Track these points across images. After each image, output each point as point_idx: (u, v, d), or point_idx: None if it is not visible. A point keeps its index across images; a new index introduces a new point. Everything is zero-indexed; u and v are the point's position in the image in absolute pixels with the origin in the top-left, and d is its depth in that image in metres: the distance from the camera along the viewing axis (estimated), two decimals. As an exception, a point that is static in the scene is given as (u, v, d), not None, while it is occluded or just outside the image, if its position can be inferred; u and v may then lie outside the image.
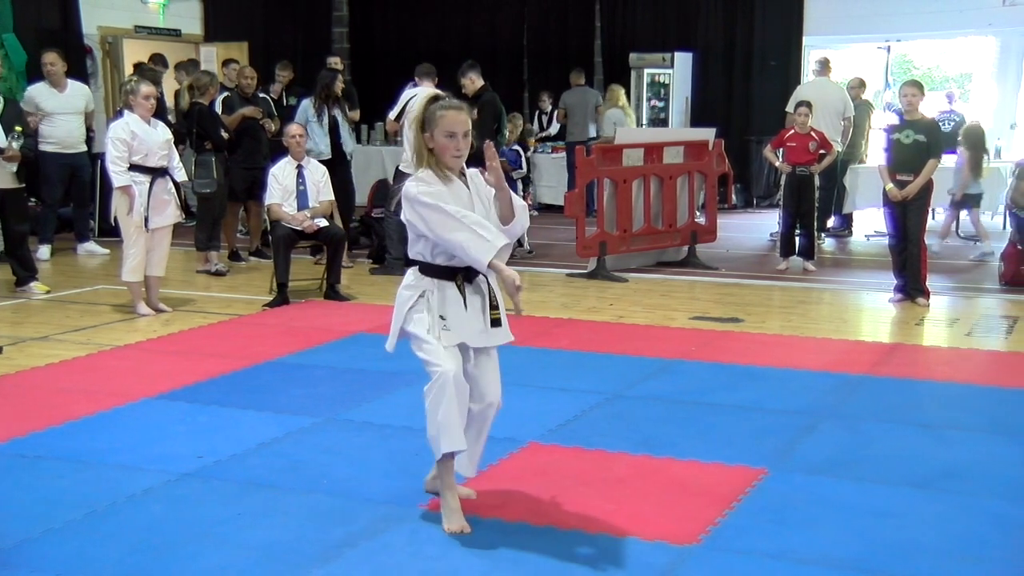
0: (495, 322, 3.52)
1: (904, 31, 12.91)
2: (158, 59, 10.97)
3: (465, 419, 3.49)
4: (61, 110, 9.18)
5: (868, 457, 4.22)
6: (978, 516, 3.64)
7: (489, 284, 3.52)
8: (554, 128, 13.43)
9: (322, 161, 9.29)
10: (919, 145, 7.22)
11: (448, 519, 3.49)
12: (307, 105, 9.28)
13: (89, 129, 9.64)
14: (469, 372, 3.55)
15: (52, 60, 9.17)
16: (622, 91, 12.43)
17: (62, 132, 9.17)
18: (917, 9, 12.43)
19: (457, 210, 3.39)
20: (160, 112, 7.59)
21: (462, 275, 3.48)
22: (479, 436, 3.70)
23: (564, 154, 12.59)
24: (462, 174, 3.54)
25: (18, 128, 7.49)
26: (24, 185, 7.81)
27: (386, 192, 9.32)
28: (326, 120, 9.20)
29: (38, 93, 9.16)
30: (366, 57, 15.34)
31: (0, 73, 9.28)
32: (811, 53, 13.21)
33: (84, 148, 9.45)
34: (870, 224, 10.94)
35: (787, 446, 4.35)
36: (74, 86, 9.42)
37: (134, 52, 12.35)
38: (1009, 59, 12.68)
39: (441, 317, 3.47)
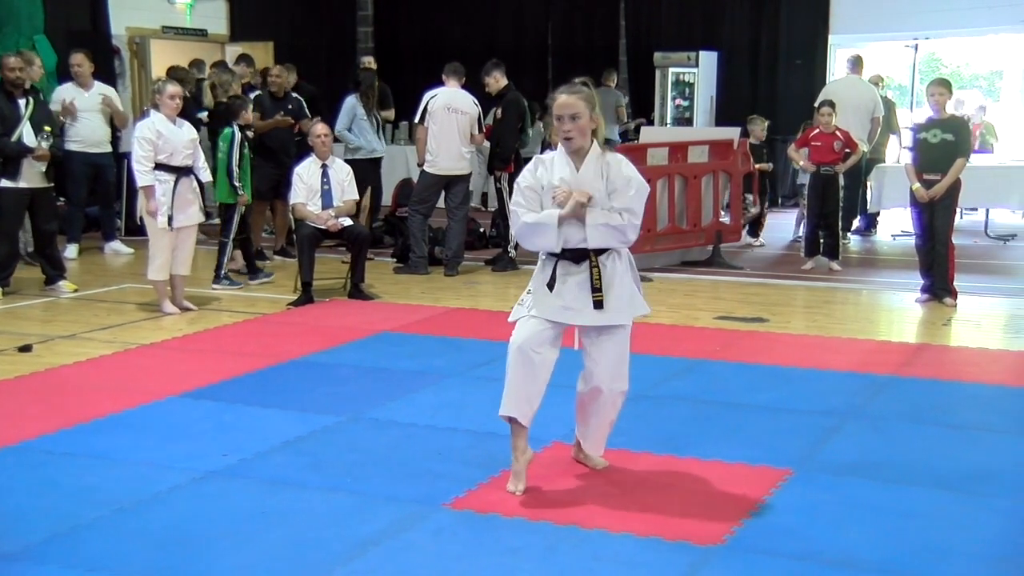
0: (597, 304, 3.67)
1: (932, 28, 12.76)
2: (247, 60, 10.81)
3: (530, 389, 3.70)
4: (86, 109, 9.27)
5: (895, 458, 4.18)
6: (1008, 519, 3.60)
7: (596, 266, 3.67)
8: None
9: (373, 159, 9.41)
10: (947, 144, 7.16)
11: (510, 480, 3.78)
12: (353, 104, 9.35)
13: (115, 130, 9.73)
14: (587, 352, 3.80)
15: (79, 61, 9.29)
16: None
17: (86, 131, 9.25)
18: (946, 6, 12.28)
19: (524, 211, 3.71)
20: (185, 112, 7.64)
21: (565, 254, 3.69)
22: (587, 417, 3.91)
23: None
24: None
25: (47, 128, 7.58)
26: (53, 184, 7.90)
27: (410, 191, 9.35)
28: (375, 118, 9.35)
29: (65, 93, 9.27)
30: (391, 57, 15.36)
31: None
32: (837, 52, 13.12)
33: (108, 148, 9.54)
34: (896, 224, 10.86)
35: (812, 447, 4.32)
36: (99, 87, 9.52)
37: (161, 52, 12.45)
38: (1041, 57, 12.53)
39: (529, 291, 3.75)
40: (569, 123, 3.64)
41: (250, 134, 8.54)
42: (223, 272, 7.97)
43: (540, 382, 3.71)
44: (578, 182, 3.65)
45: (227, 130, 7.96)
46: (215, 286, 7.89)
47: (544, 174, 3.71)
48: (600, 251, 3.69)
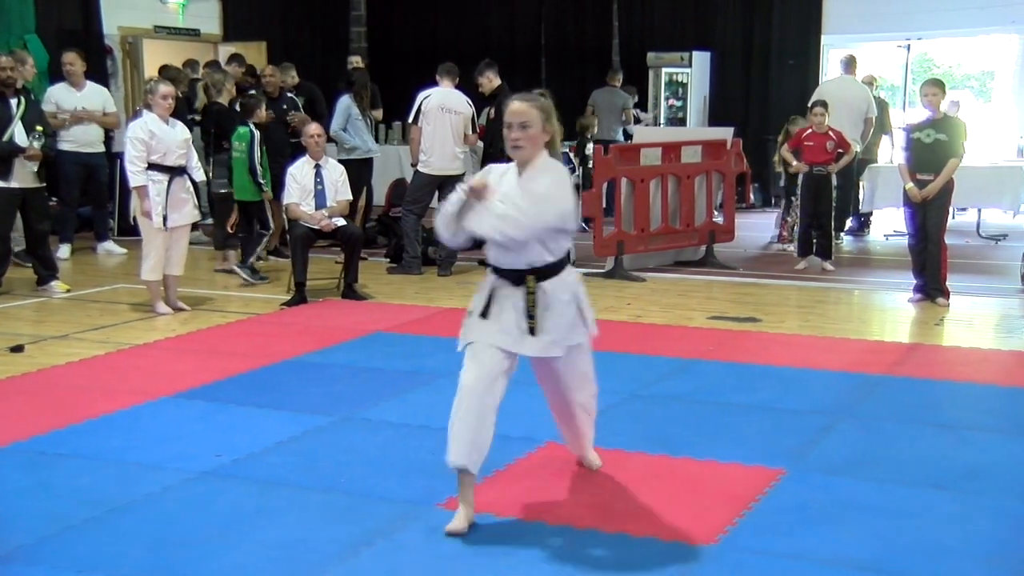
0: (530, 331, 3.48)
1: (925, 29, 12.79)
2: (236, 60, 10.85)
3: (482, 437, 3.42)
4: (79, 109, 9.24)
5: (887, 457, 4.19)
6: (999, 517, 3.61)
7: (531, 293, 3.47)
8: None
9: (367, 159, 9.40)
10: (940, 144, 7.17)
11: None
12: (348, 104, 9.31)
13: (108, 130, 9.71)
14: (540, 379, 3.70)
15: (71, 60, 9.27)
16: None
17: (78, 131, 9.23)
18: (938, 7, 12.32)
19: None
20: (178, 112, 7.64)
21: (504, 274, 3.51)
22: (567, 428, 3.91)
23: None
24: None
25: (39, 128, 7.56)
26: (45, 184, 7.88)
27: (403, 191, 9.35)
28: (369, 118, 9.32)
29: (57, 93, 9.25)
30: (384, 57, 15.37)
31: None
32: (830, 52, 13.15)
33: (101, 148, 9.51)
34: (889, 224, 10.88)
35: (805, 446, 4.33)
36: (92, 87, 9.50)
37: (154, 52, 12.43)
38: (1033, 57, 12.56)
39: (470, 312, 3.57)
40: (518, 131, 3.47)
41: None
42: (250, 261, 8.16)
43: (489, 426, 3.45)
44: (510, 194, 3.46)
45: (243, 129, 8.06)
46: (237, 268, 8.16)
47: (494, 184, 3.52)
48: (540, 277, 3.48)
